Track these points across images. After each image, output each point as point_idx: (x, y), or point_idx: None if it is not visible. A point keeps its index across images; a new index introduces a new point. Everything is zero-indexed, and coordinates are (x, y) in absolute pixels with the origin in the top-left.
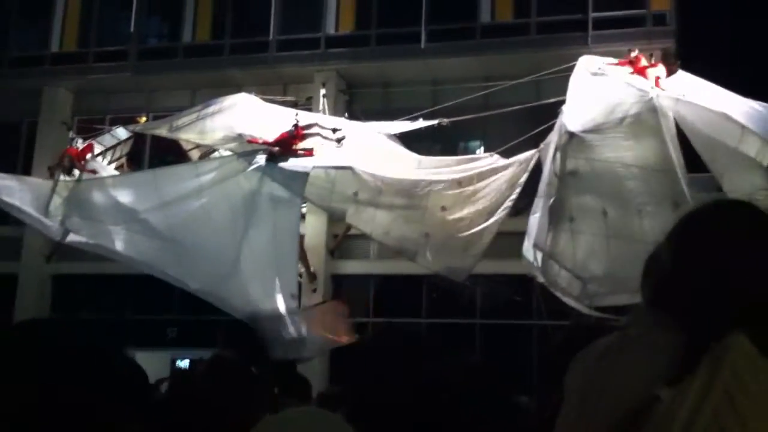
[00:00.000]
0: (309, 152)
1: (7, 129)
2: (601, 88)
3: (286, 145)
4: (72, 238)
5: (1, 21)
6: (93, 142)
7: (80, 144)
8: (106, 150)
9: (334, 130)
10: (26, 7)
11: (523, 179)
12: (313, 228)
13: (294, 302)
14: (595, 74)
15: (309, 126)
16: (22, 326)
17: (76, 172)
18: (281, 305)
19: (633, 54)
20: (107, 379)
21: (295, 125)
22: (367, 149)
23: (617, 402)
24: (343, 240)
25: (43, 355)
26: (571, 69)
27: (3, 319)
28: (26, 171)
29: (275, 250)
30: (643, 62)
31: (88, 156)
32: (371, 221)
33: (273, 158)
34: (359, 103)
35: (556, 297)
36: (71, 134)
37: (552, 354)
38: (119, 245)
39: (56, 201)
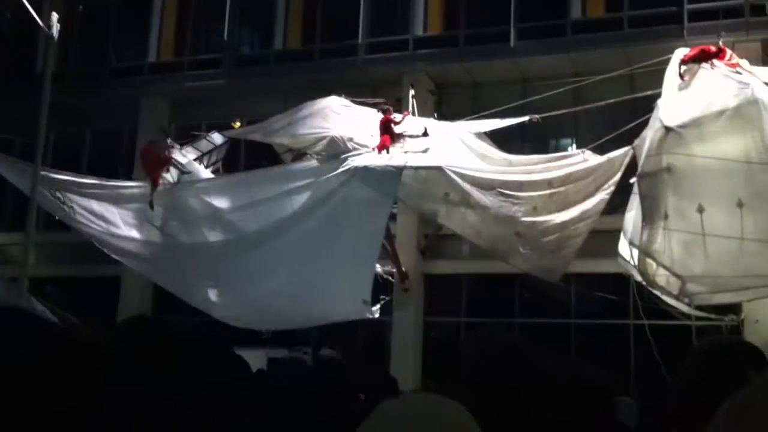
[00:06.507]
0: (395, 140)
1: (108, 137)
2: (698, 81)
3: (384, 133)
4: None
5: (101, 34)
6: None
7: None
8: (203, 155)
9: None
10: (124, 21)
11: (617, 177)
12: (405, 227)
13: (366, 309)
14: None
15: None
16: (131, 321)
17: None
18: (352, 312)
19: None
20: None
21: (385, 111)
22: (457, 149)
23: None
24: (434, 239)
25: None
26: (665, 63)
27: (108, 320)
28: (128, 176)
29: (354, 254)
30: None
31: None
32: (463, 221)
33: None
34: (448, 103)
35: (653, 296)
36: (169, 141)
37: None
38: (214, 243)
39: (156, 208)
